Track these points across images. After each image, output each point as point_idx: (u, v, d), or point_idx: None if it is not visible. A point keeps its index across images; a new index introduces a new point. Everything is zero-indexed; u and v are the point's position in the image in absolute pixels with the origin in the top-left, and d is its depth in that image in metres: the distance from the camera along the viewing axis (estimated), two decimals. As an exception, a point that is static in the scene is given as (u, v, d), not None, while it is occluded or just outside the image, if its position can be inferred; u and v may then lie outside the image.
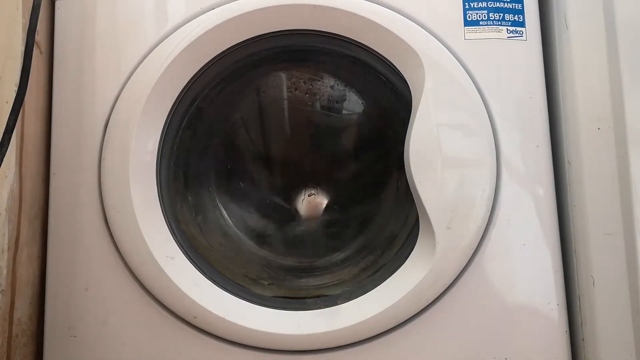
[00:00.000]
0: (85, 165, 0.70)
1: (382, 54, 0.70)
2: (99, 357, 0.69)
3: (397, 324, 0.67)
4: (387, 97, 0.76)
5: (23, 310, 0.69)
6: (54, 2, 0.74)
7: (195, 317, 0.67)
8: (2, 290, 0.65)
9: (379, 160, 0.81)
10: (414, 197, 0.67)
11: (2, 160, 0.61)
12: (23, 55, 0.65)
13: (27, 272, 0.70)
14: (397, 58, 0.70)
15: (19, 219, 0.68)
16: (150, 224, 0.69)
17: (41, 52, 0.72)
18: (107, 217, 0.69)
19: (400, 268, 0.68)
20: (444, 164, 0.66)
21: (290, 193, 0.82)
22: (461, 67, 0.69)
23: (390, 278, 0.68)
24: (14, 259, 0.67)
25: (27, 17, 0.66)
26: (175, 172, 0.76)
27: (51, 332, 0.70)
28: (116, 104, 0.70)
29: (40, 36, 0.72)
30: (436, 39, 0.69)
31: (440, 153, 0.66)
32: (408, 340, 0.68)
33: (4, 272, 0.65)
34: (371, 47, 0.70)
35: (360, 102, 0.82)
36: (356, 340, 0.67)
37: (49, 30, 0.74)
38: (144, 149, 0.70)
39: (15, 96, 0.64)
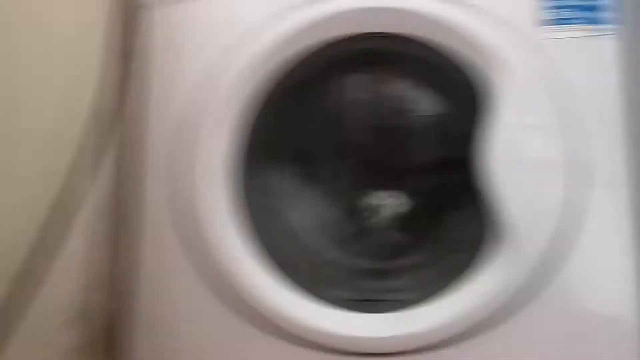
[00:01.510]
0: (155, 166, 0.74)
1: (461, 55, 0.69)
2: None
3: (472, 330, 0.65)
4: (466, 98, 0.75)
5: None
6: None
7: (263, 317, 0.68)
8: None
9: (458, 163, 0.80)
10: (493, 201, 0.65)
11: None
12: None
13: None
14: (476, 58, 0.68)
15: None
16: (220, 224, 0.70)
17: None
18: (177, 217, 0.71)
19: (477, 272, 0.66)
20: (525, 167, 0.65)
21: (365, 194, 0.82)
22: (543, 66, 0.67)
23: (466, 283, 0.67)
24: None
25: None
26: (246, 171, 0.77)
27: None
28: (191, 106, 0.72)
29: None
30: (518, 38, 0.67)
31: (521, 155, 0.65)
32: (483, 347, 0.66)
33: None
34: (450, 47, 0.69)
35: (438, 103, 0.81)
36: (428, 345, 0.66)
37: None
38: (215, 149, 0.71)
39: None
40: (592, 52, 0.67)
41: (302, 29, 0.71)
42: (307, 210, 0.82)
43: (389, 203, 0.80)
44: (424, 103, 0.81)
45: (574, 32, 0.67)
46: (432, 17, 0.69)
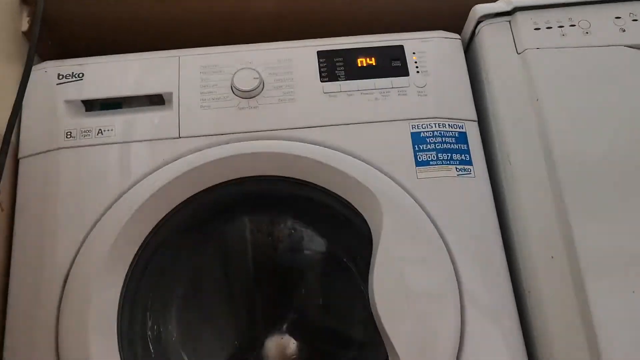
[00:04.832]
0: (42, 320, 0.68)
1: (341, 195, 0.73)
2: None
3: None
4: (349, 235, 0.78)
5: None
6: (18, 159, 0.75)
7: None
8: None
9: (346, 299, 0.81)
10: (381, 333, 0.66)
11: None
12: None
13: None
14: (355, 198, 0.73)
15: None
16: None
17: (2, 210, 0.72)
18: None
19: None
20: (408, 299, 0.67)
21: (257, 337, 0.80)
22: (416, 204, 0.72)
23: None
24: None
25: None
26: (137, 320, 0.74)
27: None
28: (77, 257, 0.69)
29: (3, 194, 0.72)
30: (391, 179, 0.73)
31: (404, 288, 0.67)
32: None
33: None
34: (330, 189, 0.73)
35: (322, 242, 0.84)
36: None
37: (12, 187, 0.75)
38: (104, 299, 0.68)
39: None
40: (459, 189, 0.74)
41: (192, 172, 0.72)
42: (198, 357, 0.79)
43: (280, 344, 0.79)
44: (311, 242, 0.83)
45: (441, 172, 0.74)
46: (311, 160, 0.73)
